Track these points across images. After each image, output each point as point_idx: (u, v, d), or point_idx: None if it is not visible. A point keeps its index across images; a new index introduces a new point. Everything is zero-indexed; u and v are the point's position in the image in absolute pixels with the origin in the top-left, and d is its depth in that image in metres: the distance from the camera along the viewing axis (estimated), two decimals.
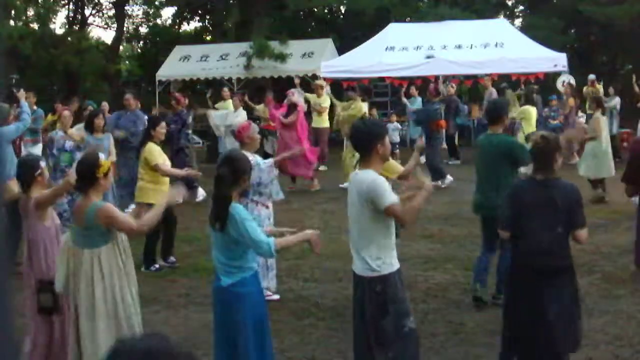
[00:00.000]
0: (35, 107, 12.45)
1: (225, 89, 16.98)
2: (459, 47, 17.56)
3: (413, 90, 17.17)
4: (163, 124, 7.94)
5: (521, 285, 4.35)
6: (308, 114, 14.20)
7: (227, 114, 13.24)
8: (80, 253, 4.34)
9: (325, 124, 14.81)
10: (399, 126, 17.41)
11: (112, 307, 4.33)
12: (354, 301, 4.27)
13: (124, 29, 30.42)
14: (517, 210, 4.34)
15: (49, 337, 4.77)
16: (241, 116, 12.65)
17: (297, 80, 15.63)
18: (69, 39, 26.19)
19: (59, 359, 4.75)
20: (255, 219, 5.84)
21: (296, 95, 12.38)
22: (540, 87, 16.23)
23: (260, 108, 15.06)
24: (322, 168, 14.84)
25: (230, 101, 14.47)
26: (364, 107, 13.10)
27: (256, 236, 4.08)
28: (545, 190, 4.27)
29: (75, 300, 4.38)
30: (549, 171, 4.31)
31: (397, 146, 16.02)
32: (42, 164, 4.96)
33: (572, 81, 16.13)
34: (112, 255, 4.36)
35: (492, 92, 15.95)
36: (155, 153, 7.61)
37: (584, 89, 16.68)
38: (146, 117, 10.50)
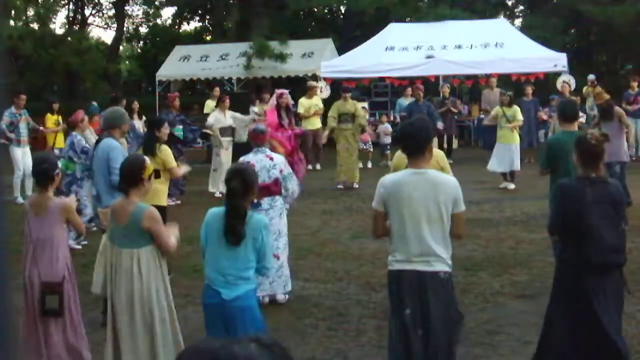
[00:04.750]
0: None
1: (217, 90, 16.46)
2: (459, 47, 17.55)
3: (408, 91, 16.84)
4: (166, 124, 7.64)
5: (579, 285, 4.24)
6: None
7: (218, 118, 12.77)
8: (120, 252, 4.35)
9: (319, 125, 14.85)
10: (390, 128, 16.37)
11: (148, 308, 4.34)
12: (416, 303, 4.04)
13: (124, 29, 30.44)
14: (576, 210, 4.22)
15: (39, 340, 4.71)
16: (236, 117, 12.42)
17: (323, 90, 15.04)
18: (69, 39, 26.21)
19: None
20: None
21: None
22: (540, 87, 16.24)
23: (257, 108, 14.88)
24: (317, 167, 15.01)
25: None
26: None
27: (269, 252, 4.21)
28: (604, 187, 4.27)
29: (113, 301, 4.39)
30: (599, 170, 4.33)
31: (389, 147, 15.81)
32: (59, 163, 4.99)
33: (572, 81, 16.12)
34: (151, 256, 4.36)
35: (497, 93, 15.82)
36: (172, 156, 7.28)
37: (584, 89, 16.68)
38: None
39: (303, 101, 14.94)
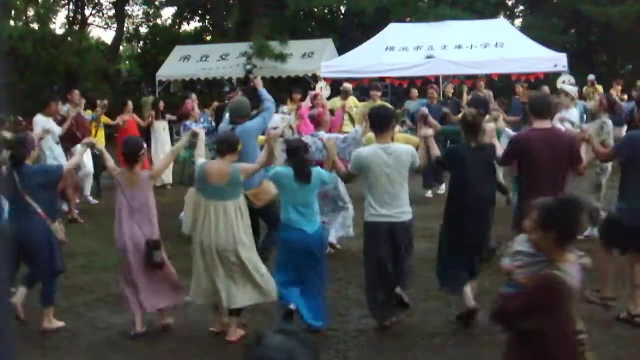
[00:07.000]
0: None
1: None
2: (459, 47, 17.55)
3: (414, 92, 16.57)
4: None
5: (462, 218, 5.69)
6: None
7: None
8: (224, 205, 5.45)
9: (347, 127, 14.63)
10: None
11: (247, 241, 5.56)
12: (390, 246, 5.52)
13: (124, 29, 30.41)
14: (458, 168, 5.66)
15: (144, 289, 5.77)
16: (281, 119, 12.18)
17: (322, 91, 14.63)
18: (69, 39, 26.15)
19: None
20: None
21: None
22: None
23: (287, 107, 14.02)
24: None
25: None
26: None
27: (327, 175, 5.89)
28: (481, 151, 5.66)
29: (214, 246, 5.44)
30: (477, 139, 5.65)
31: None
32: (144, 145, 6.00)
33: (572, 80, 16.08)
34: (243, 202, 5.63)
35: (490, 94, 15.70)
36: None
37: (584, 89, 16.65)
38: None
39: (336, 100, 14.03)
